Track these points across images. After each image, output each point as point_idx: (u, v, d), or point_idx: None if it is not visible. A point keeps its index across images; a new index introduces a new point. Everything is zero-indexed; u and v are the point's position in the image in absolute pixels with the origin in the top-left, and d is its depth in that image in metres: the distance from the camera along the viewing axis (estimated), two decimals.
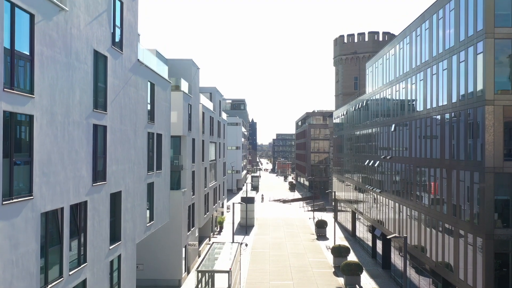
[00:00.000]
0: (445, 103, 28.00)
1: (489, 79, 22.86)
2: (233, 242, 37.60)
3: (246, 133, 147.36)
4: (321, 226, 58.38)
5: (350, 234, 58.64)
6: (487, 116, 22.82)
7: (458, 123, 26.04)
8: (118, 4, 21.56)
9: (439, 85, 28.95)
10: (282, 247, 51.10)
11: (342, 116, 65.36)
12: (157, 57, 37.73)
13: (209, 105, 53.92)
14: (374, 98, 46.15)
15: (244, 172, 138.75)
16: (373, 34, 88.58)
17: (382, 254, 43.28)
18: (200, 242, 49.71)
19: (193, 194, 42.80)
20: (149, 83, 27.07)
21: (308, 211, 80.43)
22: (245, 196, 65.54)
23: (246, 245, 47.11)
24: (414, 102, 33.93)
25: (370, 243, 48.49)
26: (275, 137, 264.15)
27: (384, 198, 41.74)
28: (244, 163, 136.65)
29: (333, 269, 42.10)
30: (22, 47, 13.51)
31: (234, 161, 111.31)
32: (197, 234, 44.68)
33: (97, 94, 19.11)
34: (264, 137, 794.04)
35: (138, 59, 24.60)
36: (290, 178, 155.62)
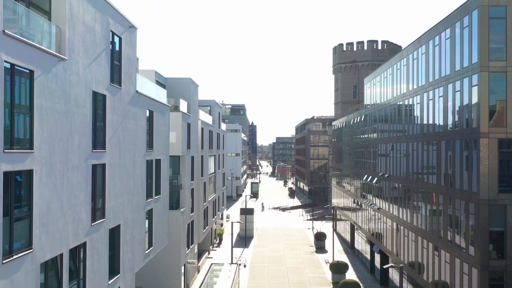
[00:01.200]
0: (441, 130, 28.25)
1: (484, 112, 23.11)
2: (231, 263, 37.85)
3: (245, 138, 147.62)
4: (320, 238, 58.61)
5: (349, 246, 58.88)
6: (482, 148, 23.08)
7: (454, 152, 26.29)
8: (116, 40, 21.81)
9: (436, 110, 29.20)
10: (281, 261, 51.35)
11: (341, 127, 65.60)
12: (156, 77, 38.04)
13: (208, 118, 54.20)
14: (372, 114, 46.38)
15: (244, 177, 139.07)
16: (372, 42, 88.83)
17: (380, 270, 43.52)
18: (200, 256, 49.98)
19: (192, 212, 43.05)
20: (147, 111, 27.32)
21: (307, 220, 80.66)
22: (244, 207, 65.77)
23: (245, 265, 47.39)
24: (411, 124, 34.18)
25: (368, 256, 48.74)
26: (275, 140, 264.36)
27: (382, 215, 41.99)
28: (244, 168, 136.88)
29: (332, 286, 42.33)
30: (22, 104, 13.77)
31: (234, 168, 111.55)
32: (196, 251, 44.93)
33: (96, 134, 19.36)
34: (264, 138, 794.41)
35: (137, 90, 24.85)
36: (290, 183, 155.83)
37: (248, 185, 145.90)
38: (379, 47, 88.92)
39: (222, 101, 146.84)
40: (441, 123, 28.13)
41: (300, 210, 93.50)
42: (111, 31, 20.91)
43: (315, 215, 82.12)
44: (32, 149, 14.13)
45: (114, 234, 21.97)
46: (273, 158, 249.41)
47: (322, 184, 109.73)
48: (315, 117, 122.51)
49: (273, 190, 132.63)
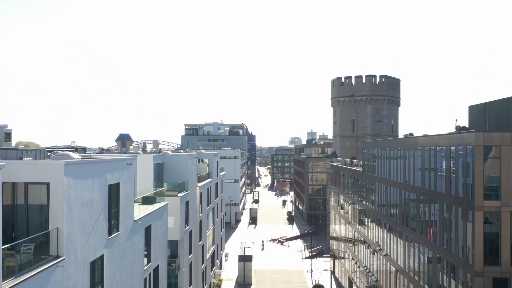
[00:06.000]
0: (437, 243, 28.46)
1: (479, 252, 23.32)
2: None
3: (245, 161, 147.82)
4: None
5: None
6: None
7: (449, 277, 26.50)
8: (114, 189, 21.87)
9: (431, 218, 29.41)
10: None
11: (340, 173, 65.81)
12: (154, 160, 38.20)
13: (207, 168, 54.72)
14: (369, 180, 46.48)
15: (244, 196, 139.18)
16: (370, 77, 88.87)
17: None
18: None
19: (191, 285, 43.27)
20: (145, 229, 27.44)
21: (306, 257, 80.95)
22: (242, 254, 65.98)
23: None
24: (407, 218, 34.33)
25: None
26: (274, 142, 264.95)
27: None
28: (243, 191, 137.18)
29: None
30: None
31: (233, 195, 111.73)
32: None
33: None
34: (264, 140, 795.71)
35: (135, 220, 24.98)
36: (288, 201, 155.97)
37: (247, 205, 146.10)
38: (377, 81, 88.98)
39: (221, 120, 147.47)
40: (438, 239, 28.32)
41: (299, 242, 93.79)
42: (109, 185, 21.02)
43: (313, 252, 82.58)
44: None
45: None
46: (272, 169, 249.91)
47: (321, 210, 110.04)
48: (314, 142, 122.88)
49: (272, 214, 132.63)
